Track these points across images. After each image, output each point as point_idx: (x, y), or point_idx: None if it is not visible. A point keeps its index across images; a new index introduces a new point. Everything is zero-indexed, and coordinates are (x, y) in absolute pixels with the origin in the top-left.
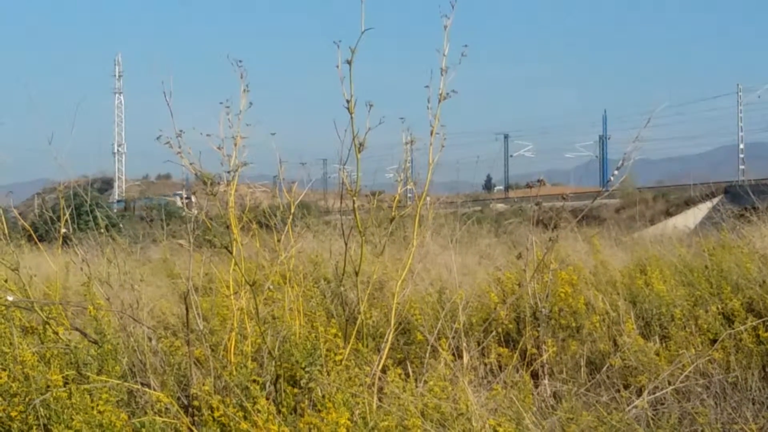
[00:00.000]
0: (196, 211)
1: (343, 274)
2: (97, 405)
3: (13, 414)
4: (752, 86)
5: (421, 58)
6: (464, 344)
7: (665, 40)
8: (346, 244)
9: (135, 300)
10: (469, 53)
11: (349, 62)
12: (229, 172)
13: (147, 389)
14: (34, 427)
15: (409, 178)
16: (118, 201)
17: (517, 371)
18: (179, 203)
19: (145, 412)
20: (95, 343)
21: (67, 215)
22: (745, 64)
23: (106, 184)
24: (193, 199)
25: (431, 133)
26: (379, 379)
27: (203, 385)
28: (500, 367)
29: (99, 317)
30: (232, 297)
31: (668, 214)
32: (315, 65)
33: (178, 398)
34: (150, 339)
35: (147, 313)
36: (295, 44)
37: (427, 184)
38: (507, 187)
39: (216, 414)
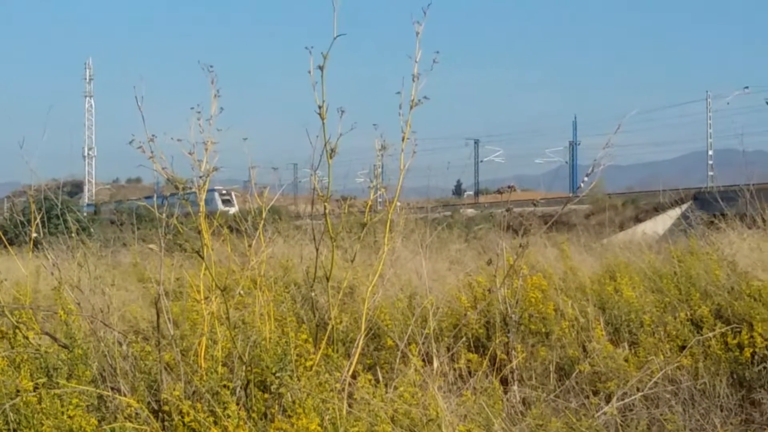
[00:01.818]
0: (235, 210)
1: (313, 279)
2: (67, 410)
3: None
4: (722, 93)
5: (394, 63)
6: (434, 350)
7: (635, 46)
8: (317, 249)
9: (106, 304)
10: (440, 58)
11: (321, 68)
12: (200, 176)
13: (117, 394)
14: None
15: (380, 184)
16: (88, 205)
17: (487, 377)
18: (218, 201)
19: (116, 417)
20: (65, 347)
21: (38, 219)
22: (715, 70)
23: (76, 188)
24: (233, 196)
25: (403, 139)
26: (349, 384)
27: (174, 390)
28: (470, 372)
29: (69, 322)
30: (202, 302)
31: (638, 220)
32: (288, 70)
33: (149, 403)
34: (120, 344)
35: (118, 318)
36: (268, 49)
37: (398, 189)
38: (477, 193)
39: (186, 419)
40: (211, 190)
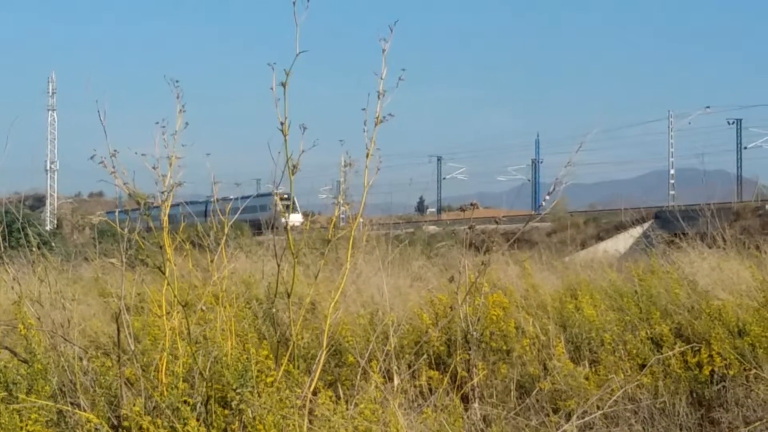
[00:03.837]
0: (300, 219)
1: (275, 295)
2: (26, 425)
3: None
4: (684, 112)
5: (357, 78)
6: (395, 367)
7: (598, 64)
8: (278, 265)
9: (66, 319)
10: (404, 75)
11: (283, 84)
12: (163, 192)
13: (77, 410)
14: None
15: (344, 200)
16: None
17: (448, 394)
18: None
19: None
20: (25, 362)
21: None
22: (677, 90)
23: (38, 201)
24: (297, 202)
25: (367, 156)
26: (310, 401)
27: (134, 405)
28: (431, 390)
29: (29, 336)
30: (164, 317)
31: (599, 238)
32: (251, 86)
33: (109, 419)
34: (81, 359)
35: (78, 333)
36: (231, 64)
37: (362, 206)
38: (440, 209)
39: None
40: (268, 195)
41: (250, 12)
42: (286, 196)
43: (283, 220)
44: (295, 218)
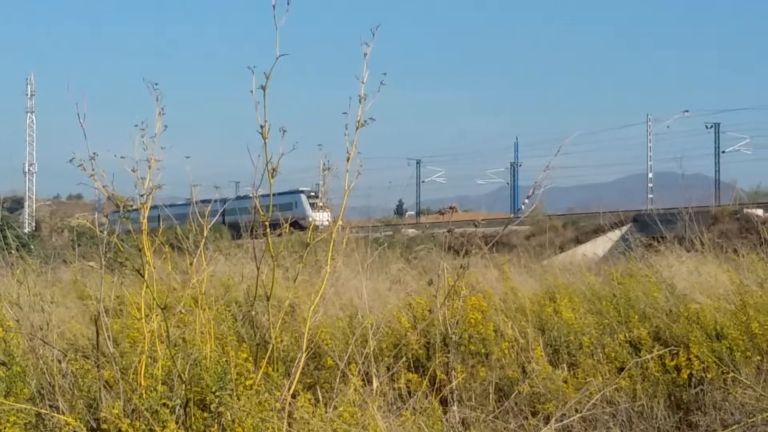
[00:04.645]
0: (327, 219)
1: (254, 298)
2: (5, 428)
3: None
4: (662, 116)
5: (337, 83)
6: (374, 370)
7: (577, 68)
8: (258, 268)
9: (45, 322)
10: (384, 80)
11: (263, 88)
12: (142, 195)
13: (56, 412)
14: None
15: (325, 204)
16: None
17: (426, 397)
18: (305, 206)
19: None
20: (4, 364)
21: None
22: (656, 94)
23: (16, 204)
24: (321, 200)
25: (348, 160)
26: (289, 404)
27: (113, 408)
28: (409, 392)
29: (8, 339)
30: (143, 320)
31: (578, 241)
32: (231, 88)
33: (87, 422)
34: (60, 361)
35: (57, 335)
36: (211, 67)
37: (342, 210)
38: (419, 213)
39: None
40: (294, 193)
41: (232, 13)
42: (313, 193)
43: (311, 218)
44: (324, 217)
